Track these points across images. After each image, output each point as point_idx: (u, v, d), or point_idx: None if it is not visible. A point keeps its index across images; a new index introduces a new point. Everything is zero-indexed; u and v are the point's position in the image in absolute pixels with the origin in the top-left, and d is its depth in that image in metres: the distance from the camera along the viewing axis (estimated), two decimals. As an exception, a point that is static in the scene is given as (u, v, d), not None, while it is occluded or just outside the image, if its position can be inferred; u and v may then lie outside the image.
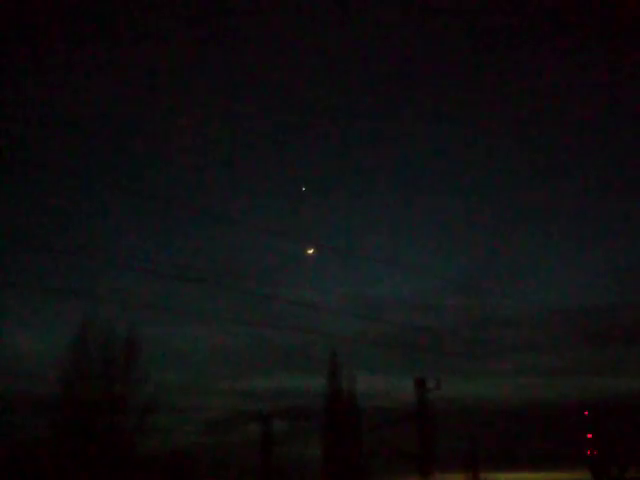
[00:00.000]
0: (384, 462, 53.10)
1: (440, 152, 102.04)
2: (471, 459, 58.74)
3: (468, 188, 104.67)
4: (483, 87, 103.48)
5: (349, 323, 57.68)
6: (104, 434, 41.31)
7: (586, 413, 69.34)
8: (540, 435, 69.56)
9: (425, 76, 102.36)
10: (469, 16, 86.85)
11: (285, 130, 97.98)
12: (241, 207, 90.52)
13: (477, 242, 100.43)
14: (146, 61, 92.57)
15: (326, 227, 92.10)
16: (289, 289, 49.02)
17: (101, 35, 79.69)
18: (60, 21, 76.46)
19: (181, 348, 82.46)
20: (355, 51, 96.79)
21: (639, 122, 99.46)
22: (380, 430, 52.50)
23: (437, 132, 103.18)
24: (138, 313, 53.25)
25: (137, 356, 42.61)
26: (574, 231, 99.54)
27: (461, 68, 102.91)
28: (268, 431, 51.27)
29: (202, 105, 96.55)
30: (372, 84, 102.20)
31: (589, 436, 68.22)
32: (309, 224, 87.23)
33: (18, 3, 62.06)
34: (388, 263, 65.57)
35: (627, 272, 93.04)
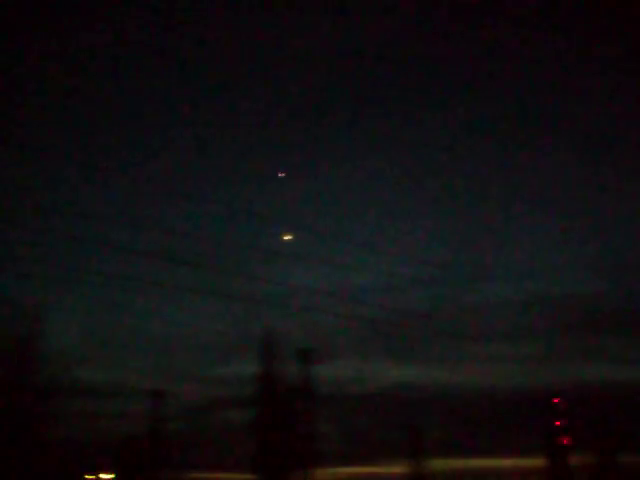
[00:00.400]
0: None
1: (421, 140, 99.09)
2: (416, 447, 56.62)
3: (449, 173, 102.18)
4: (480, 69, 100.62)
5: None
6: (8, 417, 39.64)
7: (555, 401, 67.19)
8: (503, 422, 67.34)
9: (415, 58, 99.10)
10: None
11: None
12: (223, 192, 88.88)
13: (457, 228, 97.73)
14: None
15: (304, 213, 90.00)
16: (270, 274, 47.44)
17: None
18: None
19: (158, 333, 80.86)
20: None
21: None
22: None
23: (420, 117, 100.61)
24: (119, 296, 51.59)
25: (41, 336, 40.86)
26: (558, 219, 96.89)
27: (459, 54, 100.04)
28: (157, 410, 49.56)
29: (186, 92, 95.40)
30: (356, 66, 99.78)
31: (557, 424, 66.10)
32: (287, 210, 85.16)
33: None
34: (360, 250, 63.52)
35: (608, 260, 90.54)
